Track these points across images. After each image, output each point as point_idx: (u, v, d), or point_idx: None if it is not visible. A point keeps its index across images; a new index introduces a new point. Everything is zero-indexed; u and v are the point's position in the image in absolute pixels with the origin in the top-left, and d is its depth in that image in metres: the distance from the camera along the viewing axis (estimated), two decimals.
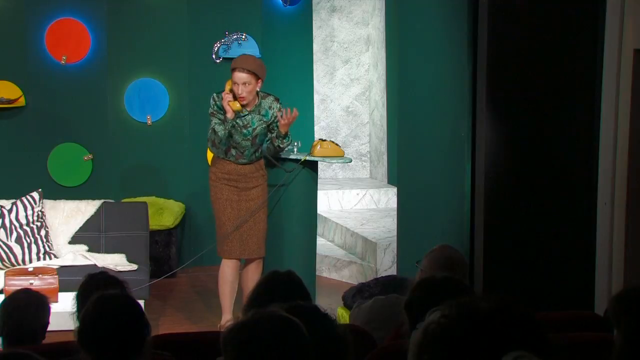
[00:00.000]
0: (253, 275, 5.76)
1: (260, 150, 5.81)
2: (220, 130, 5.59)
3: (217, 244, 5.82)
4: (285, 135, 5.69)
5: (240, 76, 5.55)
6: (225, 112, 5.59)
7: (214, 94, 5.68)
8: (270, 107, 5.72)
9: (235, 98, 5.60)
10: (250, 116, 5.67)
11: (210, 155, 7.45)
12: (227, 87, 5.63)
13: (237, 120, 5.63)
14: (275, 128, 5.72)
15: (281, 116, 5.63)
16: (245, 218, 5.69)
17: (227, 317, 5.77)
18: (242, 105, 5.62)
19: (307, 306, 2.37)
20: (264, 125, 5.71)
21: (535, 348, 1.69)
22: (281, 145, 5.74)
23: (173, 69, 7.56)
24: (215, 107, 5.64)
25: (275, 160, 5.86)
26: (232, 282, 5.80)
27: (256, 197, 5.77)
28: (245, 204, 5.75)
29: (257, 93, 5.69)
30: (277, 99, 5.77)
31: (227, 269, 5.79)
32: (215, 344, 3.39)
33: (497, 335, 1.68)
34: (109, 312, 2.67)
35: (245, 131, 5.67)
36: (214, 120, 5.63)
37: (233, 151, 5.71)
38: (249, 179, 5.77)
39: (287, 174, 5.88)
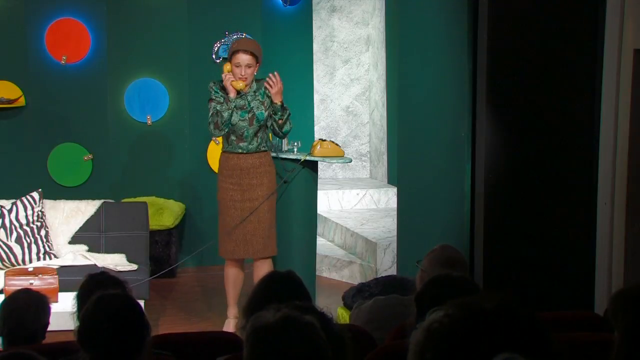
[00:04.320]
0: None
1: (262, 138, 5.75)
2: (224, 109, 5.60)
3: (220, 245, 5.80)
4: (282, 107, 5.66)
5: (244, 57, 5.60)
6: (227, 94, 5.63)
7: (211, 82, 5.71)
8: (265, 88, 5.72)
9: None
10: (247, 98, 5.68)
11: (210, 154, 7.46)
12: (226, 69, 5.67)
13: (237, 101, 5.65)
14: (272, 106, 5.70)
15: (269, 85, 5.63)
16: (246, 217, 5.67)
17: (232, 311, 5.82)
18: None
19: (304, 306, 2.37)
20: (259, 104, 5.69)
21: (538, 348, 1.68)
22: (282, 119, 5.66)
23: (173, 69, 7.56)
24: (213, 93, 5.67)
25: (277, 154, 5.87)
26: (235, 280, 5.81)
27: (260, 198, 5.73)
28: (249, 204, 5.70)
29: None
30: None
31: (230, 269, 5.80)
32: (215, 344, 3.40)
33: (500, 335, 1.68)
34: (109, 312, 2.67)
35: (241, 112, 5.66)
36: (213, 104, 5.64)
37: (233, 136, 5.69)
38: (252, 174, 5.70)
39: (287, 174, 5.87)
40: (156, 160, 7.58)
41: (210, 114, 5.64)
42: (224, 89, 5.67)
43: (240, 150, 5.69)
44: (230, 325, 5.74)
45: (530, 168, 5.08)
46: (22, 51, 7.23)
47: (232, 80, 5.61)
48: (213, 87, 5.71)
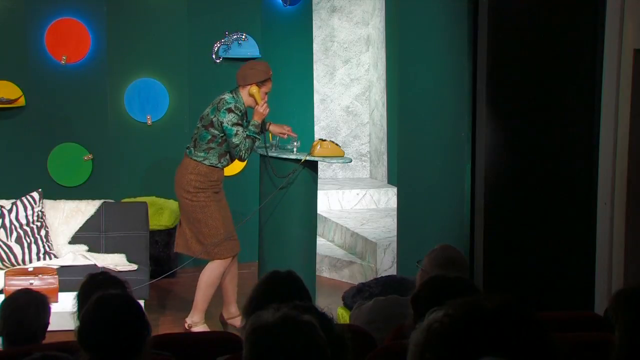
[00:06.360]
0: (233, 269, 5.90)
1: None
2: (246, 137, 5.64)
3: (222, 246, 5.79)
4: None
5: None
6: (248, 120, 5.70)
7: (233, 105, 5.65)
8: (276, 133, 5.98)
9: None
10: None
11: None
12: (259, 94, 5.67)
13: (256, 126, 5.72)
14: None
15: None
16: (253, 213, 5.78)
17: (202, 316, 5.87)
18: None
19: (305, 306, 2.37)
20: None
21: (538, 348, 1.68)
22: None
23: (173, 69, 7.55)
24: (239, 117, 5.65)
25: (277, 154, 5.92)
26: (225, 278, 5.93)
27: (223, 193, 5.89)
28: (224, 202, 5.87)
29: None
30: None
31: (223, 268, 5.82)
32: (215, 344, 3.40)
33: (500, 335, 1.68)
34: (109, 312, 2.67)
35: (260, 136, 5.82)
36: (241, 130, 5.64)
37: (228, 156, 5.75)
38: (220, 182, 5.87)
39: (284, 177, 5.87)
40: (156, 160, 7.58)
41: (242, 138, 5.62)
42: (241, 113, 5.67)
43: (224, 167, 5.80)
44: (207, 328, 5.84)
45: (530, 168, 5.08)
46: (22, 51, 7.23)
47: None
48: (239, 110, 5.67)
